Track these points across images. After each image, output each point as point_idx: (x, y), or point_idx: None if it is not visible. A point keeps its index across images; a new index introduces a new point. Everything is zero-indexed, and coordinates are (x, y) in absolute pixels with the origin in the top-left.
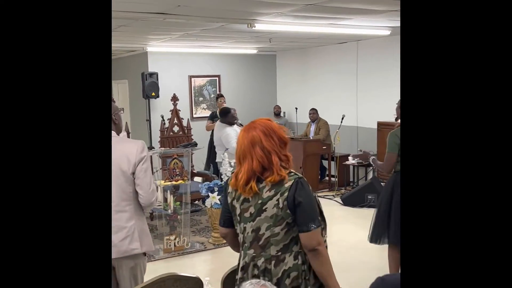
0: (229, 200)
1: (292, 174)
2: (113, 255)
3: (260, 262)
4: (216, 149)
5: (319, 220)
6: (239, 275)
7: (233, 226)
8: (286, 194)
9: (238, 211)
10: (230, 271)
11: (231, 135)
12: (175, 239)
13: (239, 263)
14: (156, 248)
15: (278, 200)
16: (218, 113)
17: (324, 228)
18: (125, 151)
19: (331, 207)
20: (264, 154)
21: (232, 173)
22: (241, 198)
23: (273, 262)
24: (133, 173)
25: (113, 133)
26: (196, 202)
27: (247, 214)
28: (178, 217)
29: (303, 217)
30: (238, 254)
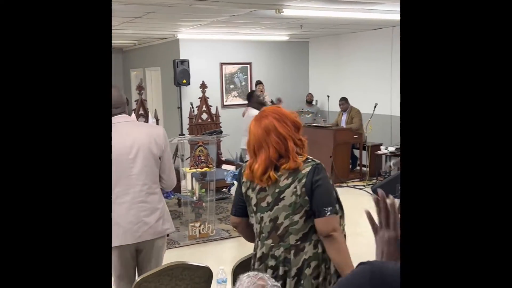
0: (243, 189)
1: (309, 160)
2: (150, 237)
3: (279, 252)
4: (243, 136)
5: (336, 206)
6: (256, 265)
7: (245, 216)
8: (303, 180)
9: (254, 201)
10: (240, 261)
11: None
12: (200, 226)
13: (255, 254)
14: (182, 235)
15: (296, 187)
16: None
17: (342, 217)
18: (153, 134)
19: (361, 197)
20: (280, 140)
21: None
22: (257, 187)
23: (292, 252)
24: (160, 157)
25: (129, 117)
26: (224, 189)
27: (263, 204)
28: (203, 204)
29: (319, 202)
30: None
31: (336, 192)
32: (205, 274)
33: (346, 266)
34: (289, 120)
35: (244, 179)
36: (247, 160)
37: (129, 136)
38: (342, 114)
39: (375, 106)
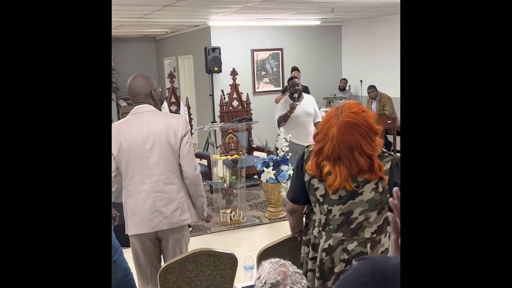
0: (306, 178)
1: (386, 154)
2: (166, 226)
3: (352, 246)
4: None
5: None
6: (321, 256)
7: (305, 203)
8: (386, 178)
9: (320, 192)
10: (265, 248)
11: (277, 106)
12: (231, 212)
13: (318, 243)
14: (213, 221)
15: (377, 184)
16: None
17: None
18: (171, 125)
19: None
20: (364, 159)
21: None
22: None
23: (368, 245)
24: (180, 148)
25: (152, 107)
26: (255, 176)
27: (334, 197)
28: (234, 191)
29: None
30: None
31: None
32: (230, 260)
33: None
34: (373, 132)
35: (307, 168)
36: (308, 145)
37: (146, 127)
38: (372, 102)
39: None
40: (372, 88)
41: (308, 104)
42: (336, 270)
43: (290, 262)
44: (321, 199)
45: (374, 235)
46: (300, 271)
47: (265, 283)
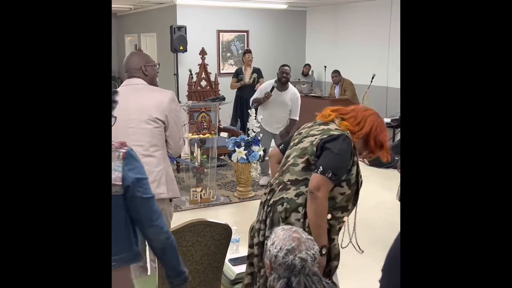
0: (295, 134)
1: (347, 131)
2: None
3: (274, 182)
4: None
5: (334, 175)
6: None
7: (282, 153)
8: (324, 137)
9: (292, 142)
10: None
11: (259, 88)
12: (201, 191)
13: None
14: (182, 200)
15: (316, 137)
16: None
17: (349, 211)
18: (156, 99)
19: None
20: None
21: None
22: (299, 131)
23: (280, 187)
24: (164, 122)
25: (142, 80)
26: (222, 157)
27: (293, 144)
28: (205, 170)
29: (321, 160)
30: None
31: (358, 183)
32: (225, 231)
33: (317, 228)
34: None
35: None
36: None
37: (133, 98)
38: (335, 86)
39: (372, 77)
40: (336, 73)
41: (287, 96)
42: (262, 200)
43: (301, 229)
44: (287, 149)
45: (288, 183)
46: (311, 238)
47: (280, 248)
